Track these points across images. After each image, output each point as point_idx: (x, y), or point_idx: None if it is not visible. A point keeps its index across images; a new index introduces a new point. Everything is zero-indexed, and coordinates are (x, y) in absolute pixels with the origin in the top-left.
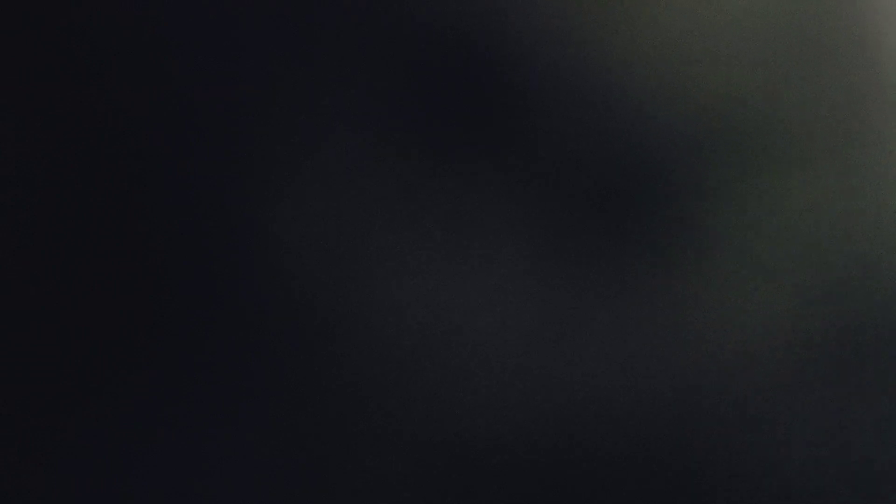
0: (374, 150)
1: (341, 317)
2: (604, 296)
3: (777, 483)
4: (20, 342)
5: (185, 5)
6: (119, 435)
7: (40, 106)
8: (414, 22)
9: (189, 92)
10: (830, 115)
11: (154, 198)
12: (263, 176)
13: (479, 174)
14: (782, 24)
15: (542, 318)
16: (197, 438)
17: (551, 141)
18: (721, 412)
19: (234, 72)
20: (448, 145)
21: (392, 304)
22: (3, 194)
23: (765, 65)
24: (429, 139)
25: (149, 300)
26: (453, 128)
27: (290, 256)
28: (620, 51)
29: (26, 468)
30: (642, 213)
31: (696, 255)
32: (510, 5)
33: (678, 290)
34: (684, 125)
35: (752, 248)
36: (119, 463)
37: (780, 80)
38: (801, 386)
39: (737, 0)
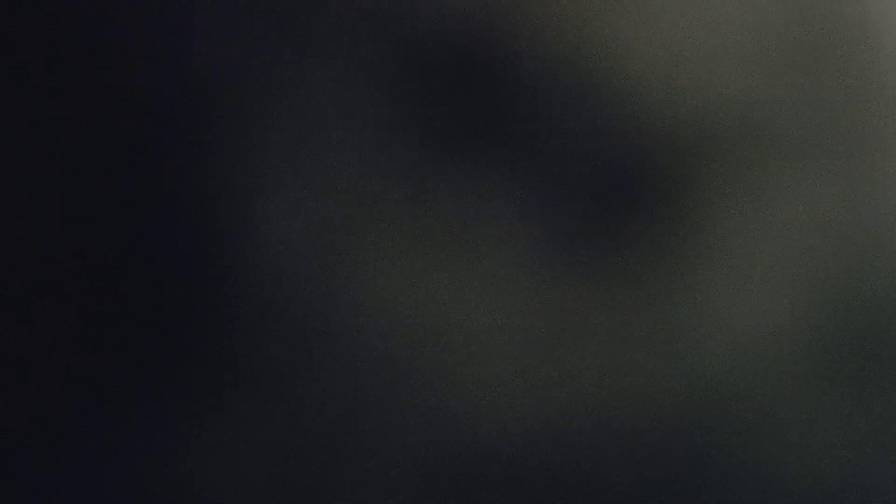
0: (374, 149)
1: (341, 317)
2: (604, 295)
3: (777, 483)
4: (19, 343)
5: (184, 4)
6: (110, 435)
7: (38, 106)
8: (415, 21)
9: (188, 91)
10: (830, 115)
11: (151, 197)
12: (263, 176)
13: (479, 174)
14: (781, 25)
15: (542, 317)
16: (191, 438)
17: (551, 141)
18: (721, 411)
19: (233, 71)
20: (448, 145)
21: (392, 303)
22: (2, 194)
23: (764, 65)
24: (429, 139)
25: (144, 300)
26: (454, 128)
27: (291, 256)
28: (621, 51)
29: (26, 468)
30: (643, 213)
31: (697, 256)
32: (512, 6)
33: (679, 291)
34: (684, 126)
35: (753, 248)
36: (112, 463)
37: (780, 81)
38: (802, 386)
39: (737, 1)
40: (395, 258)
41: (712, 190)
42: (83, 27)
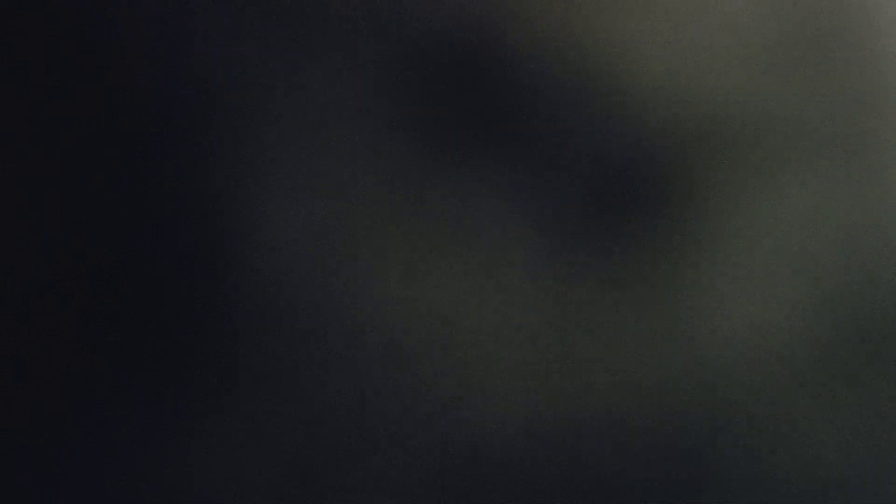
0: (374, 149)
1: (341, 316)
2: (605, 295)
3: (778, 482)
4: (19, 343)
5: (184, 4)
6: (110, 435)
7: (38, 106)
8: (416, 21)
9: (188, 91)
10: (830, 116)
11: (151, 197)
12: (263, 176)
13: (479, 174)
14: (782, 25)
15: (542, 317)
16: (191, 438)
17: (552, 141)
18: (723, 410)
19: (233, 71)
20: (448, 145)
21: (393, 304)
22: (2, 194)
23: (764, 65)
24: (429, 139)
25: (144, 300)
26: (454, 128)
27: (290, 256)
28: (621, 51)
29: (26, 468)
30: (643, 213)
31: (698, 255)
32: (512, 5)
33: (680, 291)
34: (684, 126)
35: (754, 247)
36: (112, 463)
37: (780, 81)
38: (804, 385)
39: (737, 1)
40: (395, 258)
41: (713, 190)
42: (83, 27)
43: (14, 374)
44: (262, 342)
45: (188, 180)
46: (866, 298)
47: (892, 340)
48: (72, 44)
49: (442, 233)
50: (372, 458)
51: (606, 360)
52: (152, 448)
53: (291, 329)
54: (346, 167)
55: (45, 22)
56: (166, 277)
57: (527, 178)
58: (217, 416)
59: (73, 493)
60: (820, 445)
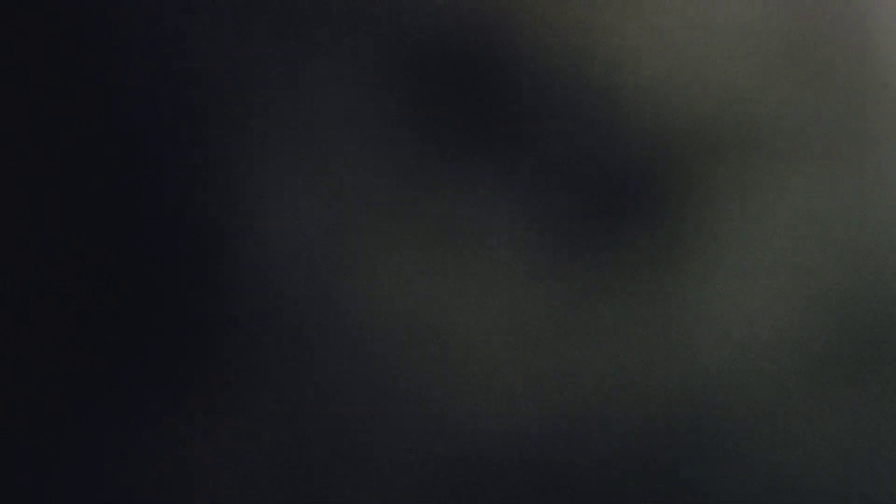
0: (374, 149)
1: (341, 316)
2: (604, 295)
3: (777, 482)
4: (19, 343)
5: (183, 4)
6: (110, 435)
7: (38, 106)
8: (415, 21)
9: (188, 91)
10: (830, 116)
11: (151, 197)
12: (263, 175)
13: (479, 174)
14: (782, 25)
15: (542, 317)
16: (191, 438)
17: (551, 141)
18: (721, 411)
19: (233, 71)
20: (448, 145)
21: (392, 303)
22: (2, 194)
23: (764, 67)
24: (429, 139)
25: (144, 300)
26: (454, 128)
27: (290, 256)
28: (621, 51)
29: (26, 468)
30: (642, 213)
31: (696, 255)
32: (512, 6)
33: (678, 291)
34: (684, 126)
35: (752, 247)
36: (112, 463)
37: (779, 83)
38: (801, 385)
39: (736, 1)
40: (395, 258)
41: (712, 190)
42: (83, 27)
43: (14, 374)
44: (262, 342)
45: (188, 180)
46: (866, 298)
47: (892, 340)
48: (72, 44)
49: (441, 232)
50: (370, 457)
51: (605, 359)
52: (152, 448)
53: (291, 329)
54: (346, 167)
55: (45, 22)
56: (166, 277)
57: (526, 179)
58: (217, 416)
59: (73, 492)
60: (819, 446)
